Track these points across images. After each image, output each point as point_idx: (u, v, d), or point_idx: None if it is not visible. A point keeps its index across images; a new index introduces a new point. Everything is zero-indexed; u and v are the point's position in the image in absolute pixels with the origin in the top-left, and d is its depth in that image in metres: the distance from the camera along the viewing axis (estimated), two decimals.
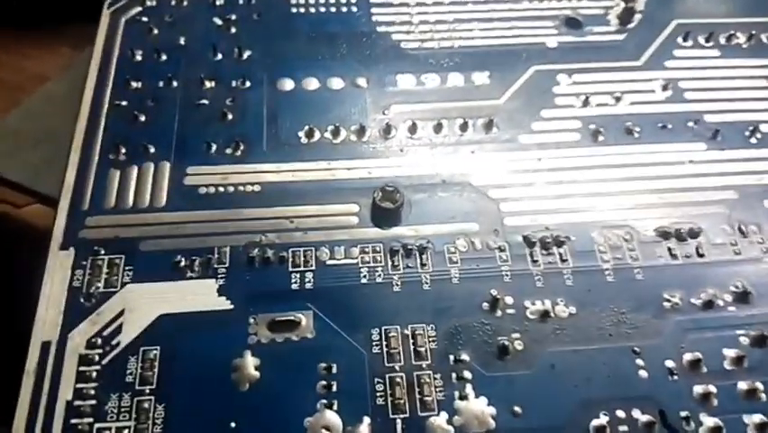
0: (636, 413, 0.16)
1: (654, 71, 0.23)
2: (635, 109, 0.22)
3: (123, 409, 0.16)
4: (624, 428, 0.16)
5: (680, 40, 0.24)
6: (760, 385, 0.17)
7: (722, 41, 0.24)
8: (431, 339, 0.17)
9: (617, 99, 0.22)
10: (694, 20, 0.24)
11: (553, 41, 0.24)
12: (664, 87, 0.22)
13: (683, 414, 0.16)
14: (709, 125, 0.22)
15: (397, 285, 0.18)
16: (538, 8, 0.25)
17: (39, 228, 0.25)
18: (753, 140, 0.21)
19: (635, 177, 0.20)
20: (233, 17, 0.24)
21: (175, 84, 0.22)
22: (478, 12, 0.25)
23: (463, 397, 0.16)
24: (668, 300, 0.18)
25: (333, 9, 0.24)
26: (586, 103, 0.22)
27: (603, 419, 0.16)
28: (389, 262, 0.19)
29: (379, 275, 0.18)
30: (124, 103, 0.21)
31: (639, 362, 0.17)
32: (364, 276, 0.18)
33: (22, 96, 0.30)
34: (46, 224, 0.21)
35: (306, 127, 0.21)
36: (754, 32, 0.24)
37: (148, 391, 0.16)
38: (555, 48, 0.23)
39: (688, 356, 0.17)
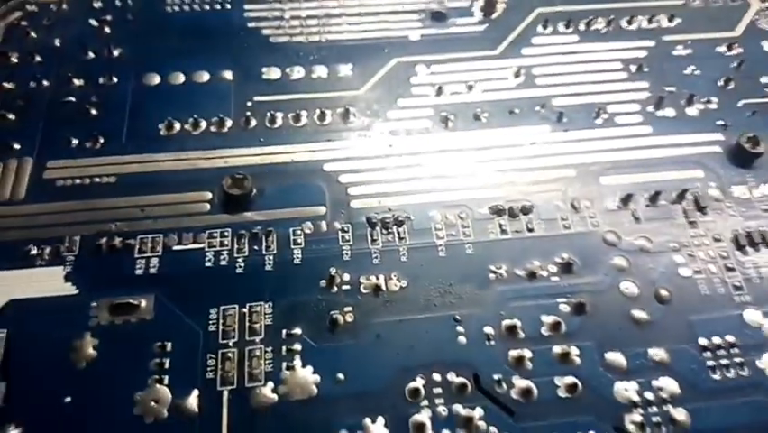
0: (452, 376, 0.18)
1: (510, 59, 0.25)
2: (486, 96, 0.24)
3: None
4: (438, 390, 0.18)
5: (539, 28, 0.26)
6: (574, 349, 0.18)
7: (581, 27, 0.26)
8: (266, 316, 0.19)
9: (470, 88, 0.24)
10: (556, 8, 0.26)
11: (417, 34, 0.25)
12: (516, 75, 0.24)
13: (496, 377, 0.18)
14: (555, 109, 0.23)
15: (240, 267, 0.20)
16: (406, 2, 0.26)
17: None
18: (598, 120, 0.23)
19: (479, 160, 0.22)
20: (109, 18, 0.25)
21: (45, 83, 0.24)
22: (348, 7, 0.26)
23: (290, 367, 0.18)
24: (493, 272, 0.20)
25: (207, 7, 0.26)
26: (440, 92, 0.24)
27: (419, 382, 0.18)
28: (235, 246, 0.20)
29: (224, 258, 0.20)
30: None
31: (460, 329, 0.19)
32: (209, 260, 0.20)
33: None
34: None
35: (167, 120, 0.23)
36: (613, 17, 0.26)
37: None
38: (418, 41, 0.25)
39: (506, 323, 0.19)
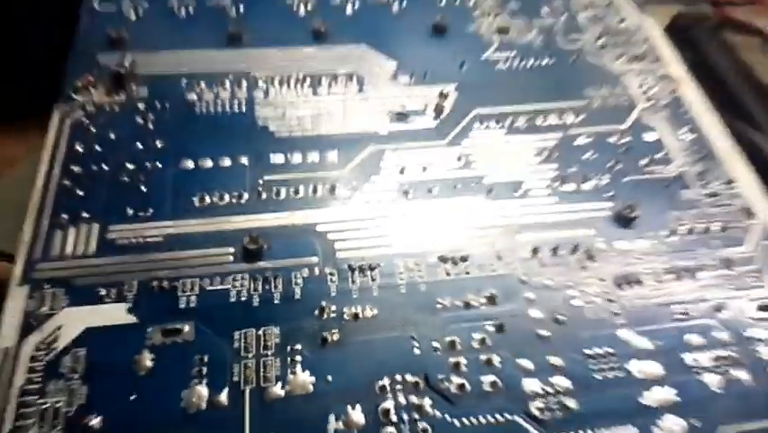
0: (409, 376, 0.25)
1: (454, 147, 0.33)
2: (437, 175, 0.31)
3: (58, 390, 0.24)
4: (399, 386, 0.24)
5: (476, 124, 0.34)
6: (496, 357, 0.25)
7: (507, 123, 0.34)
8: (275, 336, 0.26)
9: (424, 169, 0.31)
10: (489, 110, 0.34)
11: (386, 129, 0.33)
12: (458, 159, 0.32)
13: (441, 376, 0.25)
14: (486, 185, 0.31)
15: (256, 302, 0.27)
16: (377, 106, 0.34)
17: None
18: (517, 193, 0.31)
19: (432, 221, 0.30)
20: (152, 117, 0.33)
21: (105, 168, 0.31)
22: (334, 109, 0.34)
23: (293, 372, 0.25)
24: (440, 303, 0.27)
25: (228, 110, 0.34)
26: (402, 171, 0.31)
27: (385, 381, 0.25)
28: (252, 286, 0.27)
29: (244, 296, 0.27)
30: (67, 182, 0.30)
31: (415, 344, 0.26)
32: (233, 296, 0.27)
33: None
34: (7, 274, 0.29)
35: (200, 194, 0.30)
36: (531, 116, 0.34)
37: (76, 377, 0.24)
38: (387, 134, 0.33)
39: (448, 339, 0.26)
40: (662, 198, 0.31)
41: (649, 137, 0.34)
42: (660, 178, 0.32)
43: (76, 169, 0.31)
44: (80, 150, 0.31)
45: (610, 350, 0.26)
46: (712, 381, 0.26)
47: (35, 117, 0.34)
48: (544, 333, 0.26)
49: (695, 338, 0.27)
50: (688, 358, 0.26)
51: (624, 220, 0.30)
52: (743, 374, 0.26)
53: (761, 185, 0.32)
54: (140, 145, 0.32)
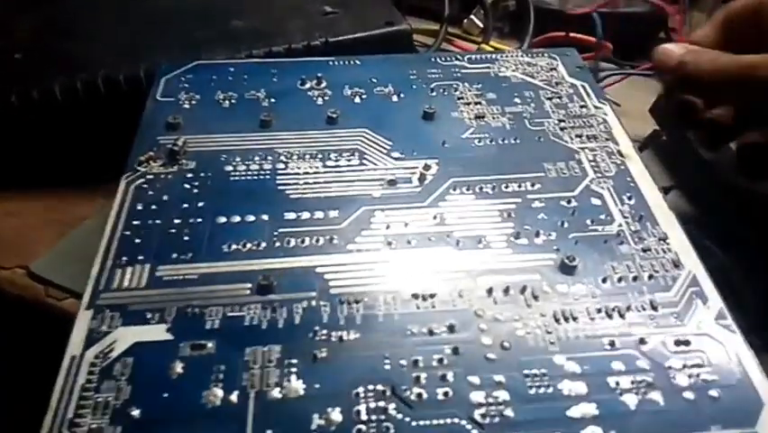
0: (379, 386, 0.29)
1: (432, 209, 0.38)
2: (416, 230, 0.36)
3: (109, 388, 0.29)
4: (371, 394, 0.29)
5: (451, 190, 0.39)
6: (450, 374, 0.30)
7: (477, 189, 0.39)
8: (277, 352, 0.30)
9: (406, 225, 0.37)
10: (462, 179, 0.40)
11: (378, 193, 0.39)
12: (434, 218, 0.37)
13: (404, 387, 0.29)
14: (455, 238, 0.36)
15: (264, 326, 0.32)
16: (373, 176, 0.40)
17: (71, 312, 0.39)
18: (480, 245, 0.36)
19: (409, 266, 0.34)
20: (196, 183, 0.40)
21: (158, 222, 0.37)
22: (338, 178, 0.40)
23: (289, 380, 0.29)
24: (409, 331, 0.31)
25: (255, 177, 0.40)
26: (388, 227, 0.37)
27: (360, 390, 0.29)
28: (262, 313, 0.32)
29: (255, 321, 0.32)
30: (128, 233, 0.36)
31: (387, 361, 0.30)
32: (248, 321, 0.32)
33: (69, 229, 0.46)
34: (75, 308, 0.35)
35: (228, 243, 0.36)
36: (494, 184, 0.39)
37: (124, 379, 0.29)
38: (379, 197, 0.39)
39: (413, 358, 0.30)
40: (602, 251, 0.36)
41: (596, 202, 0.39)
42: (601, 234, 0.37)
43: (135, 223, 0.37)
44: (140, 208, 0.38)
45: (545, 371, 0.30)
46: (630, 400, 0.29)
47: (104, 184, 0.42)
48: (492, 356, 0.30)
49: (618, 365, 0.30)
50: (611, 381, 0.30)
51: (565, 268, 0.34)
52: (657, 396, 0.29)
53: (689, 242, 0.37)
54: (185, 205, 0.38)
